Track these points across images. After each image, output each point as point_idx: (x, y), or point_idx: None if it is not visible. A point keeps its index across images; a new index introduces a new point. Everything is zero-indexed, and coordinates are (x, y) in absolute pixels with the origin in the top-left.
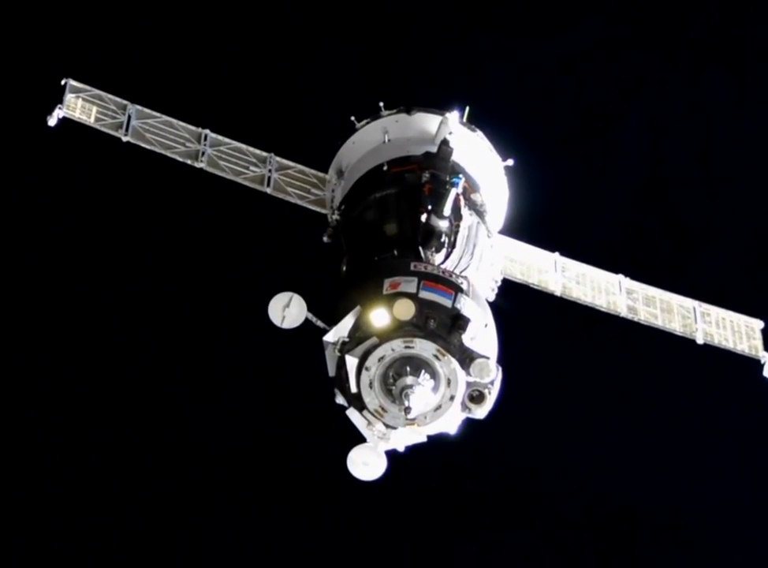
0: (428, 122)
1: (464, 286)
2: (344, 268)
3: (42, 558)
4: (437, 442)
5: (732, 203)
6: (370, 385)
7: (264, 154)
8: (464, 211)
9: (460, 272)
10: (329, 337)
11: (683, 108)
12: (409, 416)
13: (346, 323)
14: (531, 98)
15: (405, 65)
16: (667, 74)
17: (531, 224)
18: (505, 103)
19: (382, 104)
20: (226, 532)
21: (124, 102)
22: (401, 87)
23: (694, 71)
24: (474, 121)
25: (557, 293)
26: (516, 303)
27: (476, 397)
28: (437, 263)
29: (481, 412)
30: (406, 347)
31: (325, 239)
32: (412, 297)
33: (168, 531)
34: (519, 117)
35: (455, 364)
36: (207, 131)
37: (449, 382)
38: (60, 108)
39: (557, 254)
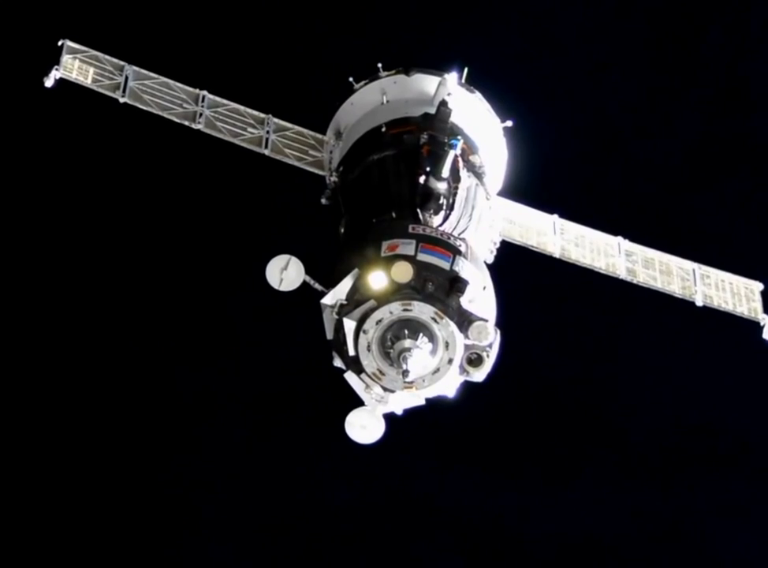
0: (427, 83)
1: (463, 249)
2: (342, 230)
3: (42, 558)
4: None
5: None
6: (368, 348)
7: (262, 115)
8: (463, 173)
9: (459, 234)
10: (326, 300)
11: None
12: (407, 380)
13: (344, 286)
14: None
15: (405, 26)
16: None
17: (530, 186)
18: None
19: (380, 65)
20: (224, 532)
21: (122, 63)
22: (401, 48)
23: None
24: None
25: (556, 255)
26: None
27: (474, 361)
28: (435, 225)
29: (479, 375)
30: (404, 310)
31: (323, 201)
32: (410, 259)
33: (167, 532)
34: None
35: (453, 326)
36: (205, 92)
37: (447, 345)
38: (57, 69)
39: (555, 216)
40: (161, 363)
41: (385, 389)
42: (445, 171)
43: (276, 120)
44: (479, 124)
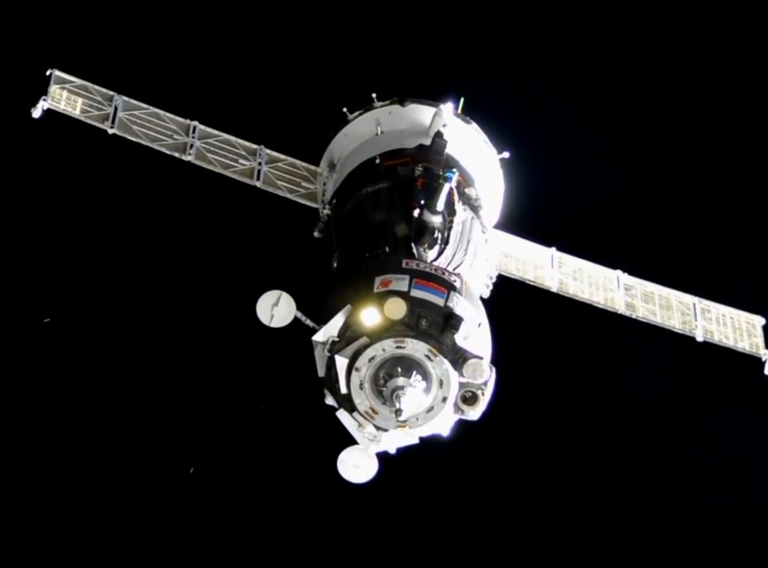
0: (422, 114)
1: (457, 284)
2: (335, 265)
3: (42, 558)
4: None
5: None
6: (361, 386)
7: (254, 146)
8: (458, 206)
9: (454, 269)
10: (318, 336)
11: None
12: (400, 419)
13: (336, 323)
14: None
15: (399, 55)
16: None
17: (528, 218)
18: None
19: (374, 95)
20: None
21: (111, 93)
22: (395, 78)
23: None
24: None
25: (554, 289)
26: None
27: (469, 399)
28: (429, 260)
29: (474, 413)
30: (397, 347)
31: (315, 234)
32: (404, 295)
33: (166, 533)
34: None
35: (447, 364)
36: (196, 123)
37: (441, 383)
38: (44, 99)
39: (553, 249)
40: (149, 397)
41: (378, 427)
42: (440, 204)
43: (268, 151)
44: (476, 155)
